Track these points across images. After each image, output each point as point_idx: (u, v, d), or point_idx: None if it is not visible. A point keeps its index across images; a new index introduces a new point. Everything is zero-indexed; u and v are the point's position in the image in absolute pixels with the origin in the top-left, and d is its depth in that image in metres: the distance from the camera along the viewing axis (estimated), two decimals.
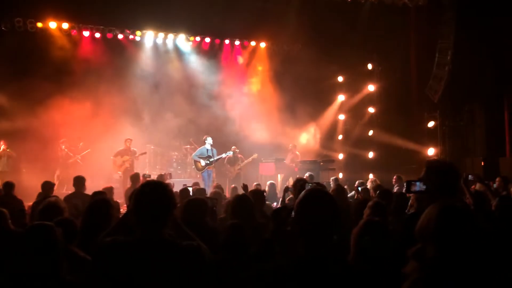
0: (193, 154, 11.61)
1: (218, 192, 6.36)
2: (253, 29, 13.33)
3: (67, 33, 12.61)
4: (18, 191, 6.77)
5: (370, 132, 14.11)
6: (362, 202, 4.07)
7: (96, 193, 4.81)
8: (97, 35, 12.88)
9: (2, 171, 10.86)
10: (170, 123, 12.68)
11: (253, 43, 14.49)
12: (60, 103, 11.25)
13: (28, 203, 6.32)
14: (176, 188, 6.53)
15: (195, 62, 13.87)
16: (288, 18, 12.27)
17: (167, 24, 13.10)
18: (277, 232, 2.53)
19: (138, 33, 13.27)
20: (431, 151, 12.37)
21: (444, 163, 2.65)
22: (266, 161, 12.60)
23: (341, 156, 14.30)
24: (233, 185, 8.69)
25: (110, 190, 6.29)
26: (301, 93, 13.45)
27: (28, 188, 8.26)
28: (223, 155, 11.46)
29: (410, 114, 13.30)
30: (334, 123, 14.88)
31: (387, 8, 12.38)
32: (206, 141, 11.27)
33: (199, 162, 11.15)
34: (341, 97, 14.82)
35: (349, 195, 7.23)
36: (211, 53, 14.07)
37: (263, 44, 14.50)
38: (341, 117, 14.85)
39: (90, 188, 6.45)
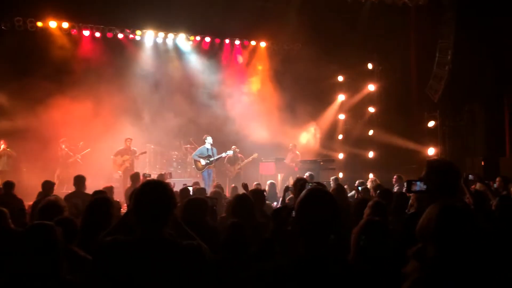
0: (193, 153, 11.61)
1: (218, 191, 6.36)
2: (253, 29, 13.33)
3: (67, 33, 12.59)
4: (18, 191, 6.77)
5: (370, 132, 14.11)
6: (362, 201, 4.07)
7: (97, 192, 4.82)
8: (97, 34, 12.87)
9: (2, 170, 10.87)
10: (170, 122, 12.68)
11: (253, 43, 14.48)
12: (60, 102, 11.25)
13: (28, 202, 6.33)
14: (176, 188, 6.53)
15: (195, 62, 13.87)
16: (288, 18, 12.26)
17: (167, 23, 13.09)
18: (278, 231, 2.53)
19: (138, 32, 13.26)
20: (431, 151, 12.37)
21: (445, 163, 2.65)
22: (266, 160, 12.60)
23: (341, 155, 14.30)
24: (233, 185, 8.70)
25: (110, 189, 6.30)
26: (301, 92, 13.45)
27: (28, 187, 8.28)
28: (223, 155, 11.46)
29: (410, 114, 13.30)
30: (334, 123, 14.88)
31: (387, 7, 12.38)
32: (206, 141, 11.28)
33: (199, 161, 11.15)
34: (341, 97, 14.82)
35: (349, 195, 7.23)
36: (211, 53, 14.06)
37: (263, 44, 14.49)
38: (341, 116, 14.85)
39: (90, 187, 6.46)
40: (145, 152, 11.92)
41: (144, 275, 1.94)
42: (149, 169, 11.99)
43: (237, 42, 14.40)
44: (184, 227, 2.55)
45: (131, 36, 13.29)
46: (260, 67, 14.52)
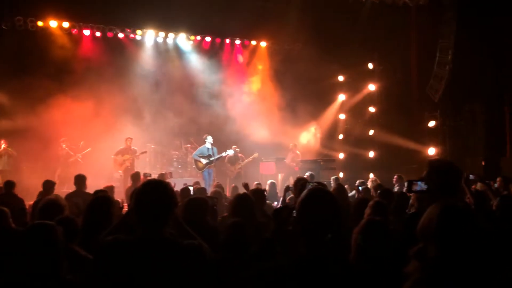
0: (193, 153, 11.62)
1: (219, 191, 6.36)
2: (254, 28, 13.33)
3: (67, 32, 12.59)
4: (19, 190, 6.77)
5: (371, 132, 14.11)
6: (362, 201, 4.06)
7: (98, 192, 4.81)
8: (98, 34, 12.87)
9: (3, 170, 10.87)
10: (171, 122, 12.68)
11: (253, 42, 14.49)
12: (60, 102, 11.26)
13: (29, 202, 6.33)
14: (177, 188, 6.53)
15: (196, 61, 13.87)
16: (288, 18, 12.26)
17: (168, 23, 13.09)
18: (278, 231, 2.53)
19: (139, 32, 13.27)
20: (431, 151, 12.37)
21: (445, 162, 2.65)
22: (267, 160, 12.61)
23: (341, 155, 14.30)
24: (233, 184, 8.70)
25: (111, 189, 6.30)
26: (302, 92, 13.45)
27: (29, 187, 8.27)
28: (224, 154, 11.46)
29: (411, 114, 13.30)
30: (335, 123, 14.88)
31: (388, 7, 12.37)
32: (206, 140, 11.28)
33: (200, 161, 11.15)
34: (341, 97, 14.82)
35: (349, 195, 7.23)
36: (211, 52, 14.06)
37: (263, 43, 14.49)
38: (342, 116, 14.84)
39: (91, 187, 6.46)
40: (145, 152, 11.92)
41: (145, 275, 1.95)
42: (150, 169, 11.99)
43: (237, 41, 14.39)
44: (185, 226, 2.55)
45: (131, 35, 13.29)
46: (260, 67, 14.52)
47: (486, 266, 1.61)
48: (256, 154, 12.06)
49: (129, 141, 11.35)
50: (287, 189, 5.24)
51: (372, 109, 14.24)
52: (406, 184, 2.81)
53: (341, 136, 14.81)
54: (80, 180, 6.53)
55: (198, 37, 13.89)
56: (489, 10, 10.89)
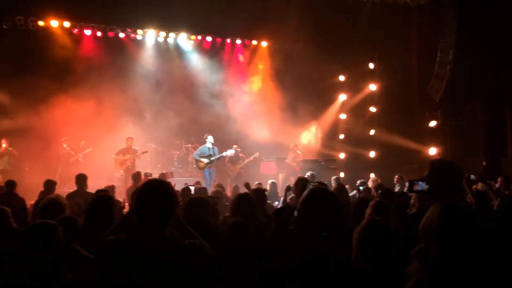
0: (194, 153, 11.62)
1: (219, 191, 6.37)
2: (254, 28, 13.32)
3: (68, 32, 12.58)
4: (20, 190, 6.78)
5: (372, 132, 14.10)
6: (362, 201, 4.06)
7: (99, 191, 4.82)
8: (99, 33, 12.87)
9: (4, 169, 10.88)
10: (172, 121, 12.68)
11: (254, 42, 14.48)
12: (61, 101, 11.26)
13: (30, 201, 6.33)
14: (177, 187, 6.53)
15: (197, 61, 13.86)
16: (289, 17, 12.26)
17: (169, 23, 13.09)
18: (279, 231, 2.53)
19: (140, 32, 13.26)
20: (432, 151, 12.36)
21: (446, 162, 2.65)
22: (268, 160, 12.61)
23: (342, 155, 14.30)
24: (234, 184, 8.70)
25: (111, 188, 6.30)
26: (303, 92, 13.45)
27: (30, 186, 8.28)
28: (224, 154, 11.46)
29: (412, 114, 13.30)
30: (336, 122, 14.87)
31: (389, 7, 12.37)
32: (207, 140, 11.29)
33: (200, 161, 11.15)
34: (342, 96, 14.81)
35: (350, 195, 7.23)
36: (212, 52, 14.06)
37: (264, 43, 14.48)
38: (343, 116, 14.83)
39: (92, 186, 6.47)
40: (146, 152, 11.93)
41: (146, 274, 1.95)
42: (150, 169, 12.00)
43: (238, 41, 14.39)
44: (186, 226, 2.55)
45: (132, 35, 13.29)
46: (261, 67, 14.51)
47: (487, 266, 1.61)
48: (257, 154, 12.06)
49: (130, 141, 11.36)
50: (288, 189, 5.24)
51: (373, 109, 14.23)
52: (407, 184, 2.80)
53: (341, 136, 14.81)
54: (81, 179, 6.54)
55: (199, 37, 13.90)
56: (490, 10, 10.89)
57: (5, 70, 10.86)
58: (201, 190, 6.57)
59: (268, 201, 6.00)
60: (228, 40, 14.26)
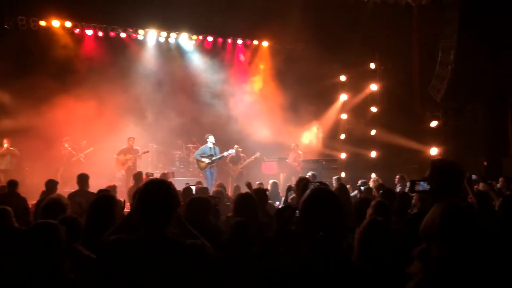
0: (195, 153, 11.62)
1: (221, 191, 6.37)
2: (256, 28, 13.33)
3: (70, 32, 12.60)
4: (22, 189, 6.81)
5: (373, 132, 14.09)
6: (363, 201, 4.06)
7: (101, 191, 4.83)
8: (100, 33, 12.89)
9: (6, 169, 10.89)
10: (173, 121, 12.69)
11: (255, 42, 14.49)
12: (63, 101, 11.27)
13: (32, 201, 6.35)
14: (179, 187, 6.53)
15: (198, 61, 13.87)
16: (290, 17, 12.25)
17: (170, 23, 13.11)
18: (280, 231, 2.54)
19: (141, 32, 13.26)
20: (433, 151, 12.36)
21: (448, 162, 2.64)
22: (269, 160, 12.61)
23: (343, 155, 14.29)
24: (235, 184, 8.71)
25: (113, 188, 6.32)
26: (304, 92, 13.44)
27: (32, 186, 8.31)
28: (225, 154, 11.47)
29: (413, 114, 13.28)
30: (337, 122, 14.86)
31: (390, 7, 12.36)
32: (208, 140, 11.29)
33: (202, 161, 11.16)
34: (343, 96, 14.80)
35: (351, 195, 7.23)
36: (213, 52, 14.07)
37: (265, 43, 14.48)
38: (344, 116, 14.83)
39: (93, 186, 6.47)
40: (147, 151, 11.94)
41: (148, 274, 1.95)
42: (152, 168, 12.00)
43: (239, 41, 14.39)
44: (188, 226, 2.55)
45: (133, 35, 13.29)
46: (262, 67, 14.51)
47: (488, 267, 1.61)
48: (258, 154, 12.06)
49: (132, 141, 11.37)
50: (289, 189, 5.24)
51: (374, 109, 14.22)
52: (408, 184, 2.80)
53: (343, 136, 14.80)
54: (82, 179, 6.55)
55: (200, 37, 13.90)
56: (491, 10, 10.87)
57: (6, 70, 10.87)
58: (202, 190, 6.57)
59: (270, 201, 6.00)
60: (229, 40, 14.27)
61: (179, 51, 13.88)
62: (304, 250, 1.82)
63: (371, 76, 14.25)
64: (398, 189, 8.46)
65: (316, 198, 1.86)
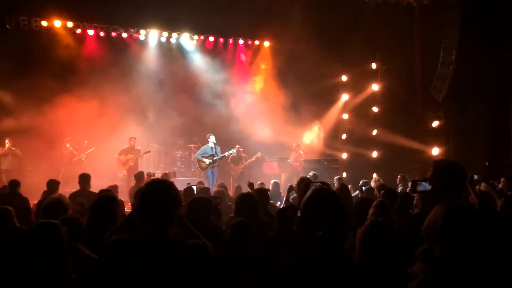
0: (196, 153, 11.62)
1: (222, 191, 6.37)
2: (257, 28, 13.34)
3: (71, 32, 12.62)
4: (23, 189, 6.80)
5: (374, 132, 14.07)
6: (363, 201, 4.05)
7: (103, 191, 4.83)
8: (102, 33, 12.90)
9: (8, 169, 10.92)
10: (174, 121, 12.70)
11: (257, 42, 14.49)
12: (64, 101, 11.29)
13: (33, 201, 6.35)
14: (180, 187, 6.52)
15: (199, 61, 13.88)
16: (291, 17, 12.24)
17: (171, 23, 13.12)
18: (282, 231, 2.53)
19: (142, 32, 13.29)
20: (435, 151, 12.34)
21: (450, 163, 2.64)
22: (270, 160, 12.61)
23: (344, 155, 14.27)
24: (236, 184, 8.70)
25: (114, 188, 6.32)
26: (305, 92, 13.43)
27: (33, 186, 8.31)
28: (226, 153, 11.47)
29: (414, 114, 13.26)
30: (338, 122, 14.85)
31: (391, 7, 12.35)
32: (209, 140, 11.29)
33: (203, 161, 11.16)
34: (345, 96, 14.78)
35: (353, 195, 7.22)
36: (215, 52, 14.08)
37: (266, 43, 14.49)
38: (345, 116, 14.81)
39: (95, 186, 6.49)
40: (149, 151, 11.94)
41: (149, 274, 1.95)
42: (153, 168, 12.00)
43: (240, 41, 14.40)
44: (189, 226, 2.55)
45: (135, 35, 13.31)
46: (263, 67, 14.51)
47: (490, 267, 1.61)
48: (259, 154, 12.06)
49: (133, 141, 11.38)
50: (290, 188, 5.24)
51: (375, 109, 14.20)
52: (410, 184, 2.81)
53: (344, 136, 14.78)
54: (84, 179, 6.56)
55: (202, 37, 13.92)
56: (493, 10, 10.86)
57: (8, 70, 10.89)
58: (203, 190, 6.57)
59: (271, 201, 6.01)
60: (231, 40, 14.28)
61: (181, 51, 13.89)
62: (305, 250, 1.82)
63: (373, 76, 14.23)
64: (399, 189, 8.44)
65: (317, 198, 1.86)
